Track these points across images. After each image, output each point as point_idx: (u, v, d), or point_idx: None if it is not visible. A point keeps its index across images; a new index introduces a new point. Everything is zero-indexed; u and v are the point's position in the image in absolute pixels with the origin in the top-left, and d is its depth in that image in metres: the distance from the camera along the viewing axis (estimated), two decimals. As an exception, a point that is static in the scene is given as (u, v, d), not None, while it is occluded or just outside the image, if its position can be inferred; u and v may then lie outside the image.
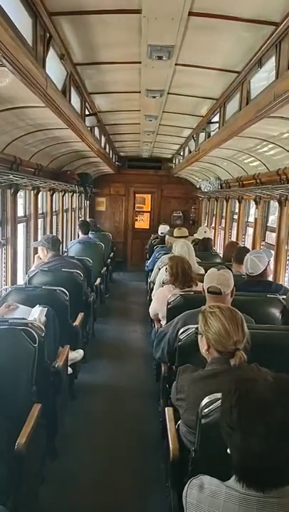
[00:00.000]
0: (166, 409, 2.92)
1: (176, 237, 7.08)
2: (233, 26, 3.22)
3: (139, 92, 5.11)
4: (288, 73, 2.82)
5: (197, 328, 2.47)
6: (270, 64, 3.41)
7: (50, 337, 3.71)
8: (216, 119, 5.67)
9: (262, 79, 3.74)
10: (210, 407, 2.06)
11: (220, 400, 2.04)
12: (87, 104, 5.35)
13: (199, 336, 2.44)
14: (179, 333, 3.14)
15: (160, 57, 3.71)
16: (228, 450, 1.43)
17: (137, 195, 13.15)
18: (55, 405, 3.48)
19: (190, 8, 2.91)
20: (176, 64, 4.06)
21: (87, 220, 10.33)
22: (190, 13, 2.98)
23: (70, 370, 4.28)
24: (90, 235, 8.17)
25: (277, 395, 1.35)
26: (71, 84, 4.28)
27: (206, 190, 9.71)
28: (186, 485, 1.55)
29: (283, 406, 1.33)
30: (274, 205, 6.01)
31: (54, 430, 3.52)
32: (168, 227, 9.16)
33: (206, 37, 3.51)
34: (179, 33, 3.29)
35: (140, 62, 4.02)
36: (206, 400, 2.08)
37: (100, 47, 3.84)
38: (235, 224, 8.05)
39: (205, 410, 2.07)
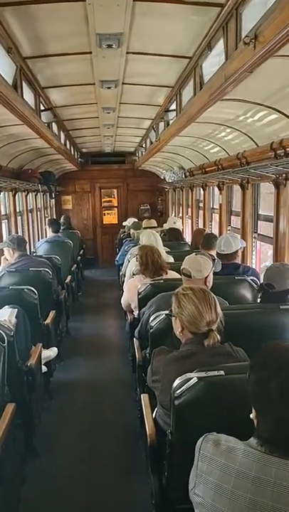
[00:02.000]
0: (142, 396, 2.94)
1: (145, 229, 7.10)
2: (180, 10, 3.21)
3: (94, 84, 5.05)
4: (237, 54, 2.83)
5: (171, 311, 2.47)
6: (220, 47, 3.42)
7: (22, 337, 3.66)
8: (173, 107, 5.67)
9: (213, 63, 3.75)
10: (182, 388, 2.07)
11: (191, 380, 2.07)
12: (41, 98, 5.25)
13: (173, 318, 2.46)
14: (150, 320, 3.16)
15: (110, 46, 3.67)
16: (252, 416, 1.46)
17: (103, 190, 13.08)
18: (31, 404, 3.44)
19: (134, -6, 2.89)
20: (127, 52, 4.02)
21: (62, 217, 10.27)
22: (135, -2, 2.96)
23: (44, 369, 4.23)
24: (58, 234, 8.09)
25: None
26: (22, 79, 4.18)
27: (170, 181, 9.76)
28: (201, 439, 1.57)
29: None
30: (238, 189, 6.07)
31: (31, 429, 3.48)
32: (135, 220, 9.15)
33: (155, 22, 3.48)
34: (126, 20, 3.26)
35: (91, 53, 3.97)
36: (177, 381, 2.09)
37: (49, 39, 3.76)
38: (201, 212, 8.13)
39: (177, 391, 2.08)
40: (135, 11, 3.17)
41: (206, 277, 3.27)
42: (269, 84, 3.24)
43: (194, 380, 2.05)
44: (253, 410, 1.47)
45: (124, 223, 9.45)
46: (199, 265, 3.23)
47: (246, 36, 2.44)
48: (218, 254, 4.45)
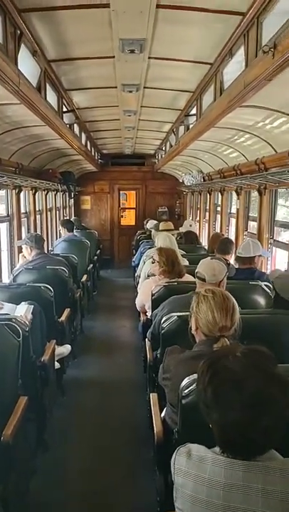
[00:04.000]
0: (151, 395, 2.98)
1: (162, 231, 7.14)
2: (202, 17, 3.27)
3: (116, 87, 5.14)
4: (256, 61, 2.87)
5: (192, 307, 2.50)
6: (240, 54, 3.47)
7: (37, 332, 3.74)
8: (193, 111, 5.72)
9: (234, 70, 3.80)
10: (190, 388, 2.11)
11: (199, 381, 2.12)
12: (64, 100, 5.37)
13: (190, 316, 2.49)
14: (162, 321, 3.21)
15: (132, 51, 3.75)
16: (210, 425, 1.46)
17: (121, 191, 13.19)
18: (43, 399, 3.52)
19: (157, 1, 2.95)
20: (149, 57, 4.10)
21: (72, 218, 10.36)
22: (158, 6, 3.02)
23: (57, 365, 4.31)
24: (75, 233, 8.19)
25: (246, 368, 1.38)
26: (46, 81, 4.29)
27: (189, 184, 9.78)
28: (174, 453, 1.58)
29: (254, 378, 1.35)
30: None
31: (43, 423, 3.57)
32: (156, 222, 9.16)
33: (177, 29, 3.55)
34: (149, 26, 3.33)
35: (114, 57, 4.06)
36: (185, 381, 2.12)
37: (73, 43, 3.87)
38: (218, 216, 8.14)
39: (185, 391, 2.12)
40: (158, 17, 3.24)
41: (220, 282, 3.31)
42: (288, 92, 3.27)
43: (202, 380, 2.09)
44: None
45: (147, 225, 9.47)
46: (214, 269, 3.26)
47: (265, 45, 2.49)
48: (236, 256, 4.54)
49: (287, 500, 1.30)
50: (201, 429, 1.85)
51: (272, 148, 4.68)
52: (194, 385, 2.10)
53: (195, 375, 2.12)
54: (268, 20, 2.84)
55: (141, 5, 2.95)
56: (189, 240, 7.20)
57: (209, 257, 3.45)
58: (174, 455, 1.58)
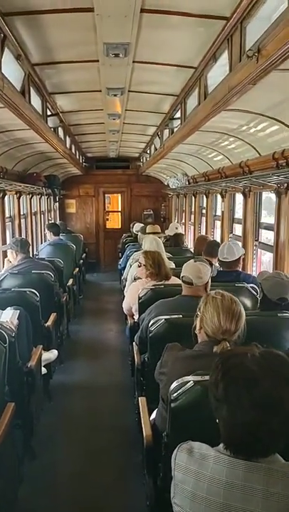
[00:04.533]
0: (139, 398, 2.98)
1: (149, 234, 7.15)
2: (186, 22, 3.28)
3: (100, 91, 5.13)
4: (240, 66, 2.90)
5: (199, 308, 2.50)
6: (224, 58, 3.50)
7: (23, 338, 3.71)
8: (178, 115, 5.75)
9: (218, 74, 3.82)
10: (178, 392, 2.11)
11: (188, 384, 2.12)
12: (48, 104, 5.34)
13: (197, 315, 2.49)
14: (149, 324, 3.21)
15: (117, 55, 3.74)
16: (217, 420, 1.47)
17: (106, 195, 13.18)
18: (30, 405, 3.48)
19: (142, 5, 2.95)
20: (133, 61, 4.10)
21: (57, 222, 10.31)
22: (142, 10, 3.02)
23: (44, 371, 4.28)
24: (60, 237, 8.15)
25: (263, 369, 1.39)
26: (30, 85, 4.27)
27: (174, 187, 9.82)
28: (176, 449, 1.58)
29: (269, 379, 1.37)
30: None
31: (30, 430, 3.53)
32: (142, 225, 9.16)
33: (161, 33, 3.56)
34: (133, 30, 3.33)
35: (98, 61, 4.05)
36: (174, 385, 2.12)
37: (57, 46, 3.85)
38: (204, 218, 8.18)
39: (174, 395, 2.11)
40: (142, 22, 3.23)
41: (206, 283, 3.33)
42: (271, 96, 3.31)
43: (191, 383, 2.09)
44: None
45: (134, 228, 9.45)
46: (199, 272, 3.28)
47: (249, 50, 2.51)
48: (220, 261, 4.53)
49: (287, 503, 1.30)
50: (190, 431, 1.86)
51: (256, 151, 4.73)
52: (182, 388, 2.11)
53: (184, 378, 2.13)
54: (252, 25, 2.86)
55: (125, 9, 2.95)
56: (178, 242, 7.23)
57: (192, 260, 3.45)
58: (175, 451, 1.58)
